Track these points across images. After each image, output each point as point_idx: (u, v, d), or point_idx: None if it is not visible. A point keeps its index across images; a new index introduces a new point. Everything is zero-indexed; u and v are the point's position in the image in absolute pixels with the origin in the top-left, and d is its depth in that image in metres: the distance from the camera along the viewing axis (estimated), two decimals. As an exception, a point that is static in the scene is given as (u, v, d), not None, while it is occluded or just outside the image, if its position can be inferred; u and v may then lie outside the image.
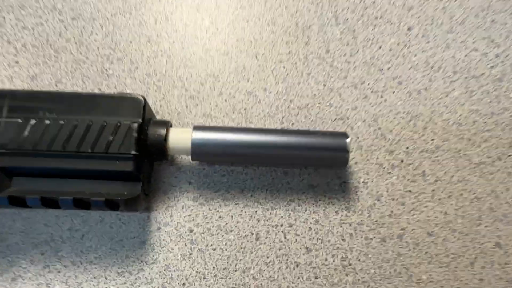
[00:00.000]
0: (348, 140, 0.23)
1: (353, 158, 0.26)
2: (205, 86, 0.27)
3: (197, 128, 0.23)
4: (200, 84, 0.27)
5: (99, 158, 0.21)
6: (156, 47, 0.28)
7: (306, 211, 0.25)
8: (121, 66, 0.27)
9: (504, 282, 0.24)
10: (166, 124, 0.23)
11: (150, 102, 0.27)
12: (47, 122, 0.21)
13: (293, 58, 0.28)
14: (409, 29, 0.28)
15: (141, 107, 0.22)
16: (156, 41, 0.28)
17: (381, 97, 0.27)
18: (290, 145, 0.23)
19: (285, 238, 0.24)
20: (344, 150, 0.23)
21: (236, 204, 0.25)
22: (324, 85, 0.27)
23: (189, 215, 0.24)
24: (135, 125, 0.21)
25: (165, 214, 0.24)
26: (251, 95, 0.27)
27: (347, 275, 0.23)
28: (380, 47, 0.28)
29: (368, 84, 0.27)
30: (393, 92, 0.27)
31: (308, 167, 0.25)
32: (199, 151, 0.23)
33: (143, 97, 0.22)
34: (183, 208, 0.25)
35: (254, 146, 0.23)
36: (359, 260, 0.24)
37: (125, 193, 0.22)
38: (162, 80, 0.27)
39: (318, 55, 0.28)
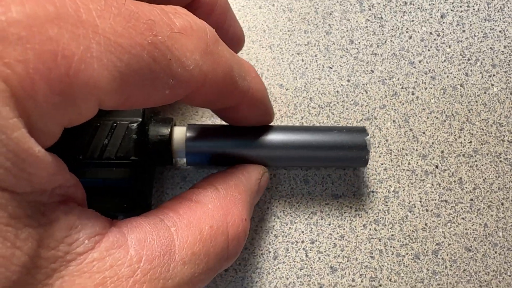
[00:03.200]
0: (367, 137, 0.20)
1: (382, 164, 0.23)
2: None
3: (191, 127, 0.20)
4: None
5: (93, 166, 0.18)
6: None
7: (330, 225, 0.22)
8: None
9: (553, 304, 0.22)
10: (170, 122, 0.20)
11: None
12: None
13: (312, 49, 0.25)
14: (442, 16, 0.26)
15: None
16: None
17: (413, 94, 0.24)
18: (300, 144, 0.20)
19: (306, 256, 0.22)
20: (364, 148, 0.20)
21: (250, 218, 0.22)
22: (348, 81, 0.24)
23: (196, 231, 0.22)
24: (135, 125, 0.19)
25: (169, 229, 0.21)
26: (265, 92, 0.24)
27: (377, 298, 0.21)
28: (411, 37, 0.25)
29: (398, 79, 0.25)
30: (426, 89, 0.25)
31: (328, 169, 0.23)
32: (195, 153, 0.20)
33: None
34: (189, 222, 0.22)
35: (258, 146, 0.20)
36: (390, 280, 0.22)
37: (124, 205, 0.19)
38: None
39: (341, 46, 0.25)
